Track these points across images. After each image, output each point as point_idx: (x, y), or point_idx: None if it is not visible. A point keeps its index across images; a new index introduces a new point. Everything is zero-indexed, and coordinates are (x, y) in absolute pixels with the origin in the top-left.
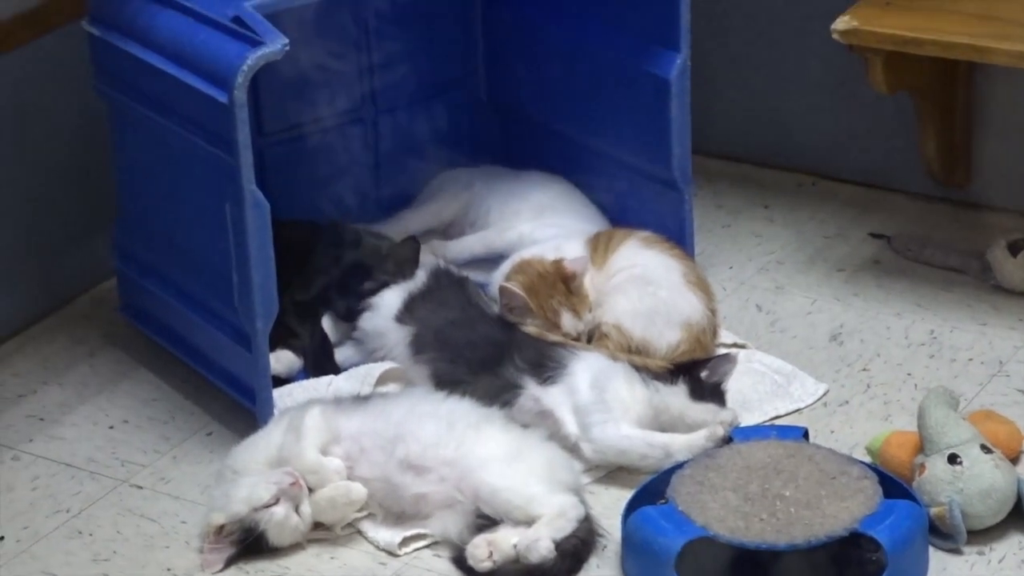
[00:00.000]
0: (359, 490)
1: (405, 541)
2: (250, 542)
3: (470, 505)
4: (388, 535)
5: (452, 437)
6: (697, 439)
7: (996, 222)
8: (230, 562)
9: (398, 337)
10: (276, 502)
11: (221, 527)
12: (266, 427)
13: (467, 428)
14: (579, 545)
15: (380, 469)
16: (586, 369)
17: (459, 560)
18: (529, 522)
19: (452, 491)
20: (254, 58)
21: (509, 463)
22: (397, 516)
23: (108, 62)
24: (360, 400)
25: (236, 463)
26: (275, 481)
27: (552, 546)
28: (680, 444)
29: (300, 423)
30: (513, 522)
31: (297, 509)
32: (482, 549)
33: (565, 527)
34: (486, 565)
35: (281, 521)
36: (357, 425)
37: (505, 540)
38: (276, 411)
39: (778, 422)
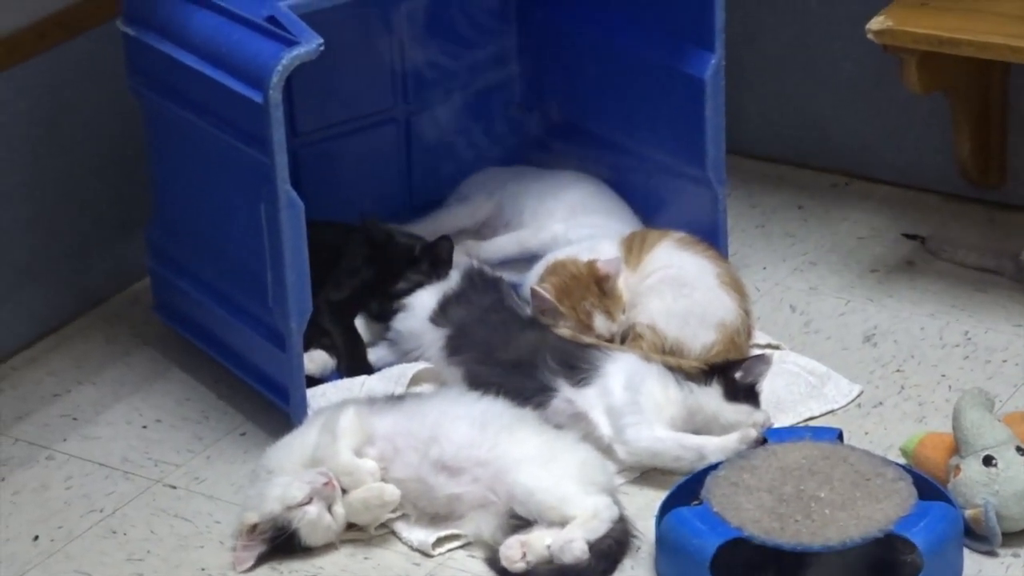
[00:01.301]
0: (392, 492)
1: (439, 541)
2: (283, 542)
3: (504, 506)
4: (422, 535)
5: (485, 438)
6: (730, 441)
7: None
8: (261, 560)
9: (432, 338)
10: (309, 501)
11: (254, 526)
12: (301, 427)
13: (500, 430)
14: (613, 546)
15: (414, 470)
16: (620, 371)
17: (493, 561)
18: (563, 523)
19: (486, 492)
20: (289, 58)
21: (543, 464)
22: (431, 517)
23: (142, 62)
24: (394, 400)
25: (271, 463)
26: (308, 480)
27: (586, 547)
28: (714, 446)
29: (335, 424)
30: (547, 523)
31: (330, 509)
32: (515, 550)
33: (599, 528)
34: (520, 566)
35: (314, 520)
36: (391, 425)
37: (539, 541)
38: (310, 411)
39: (812, 423)
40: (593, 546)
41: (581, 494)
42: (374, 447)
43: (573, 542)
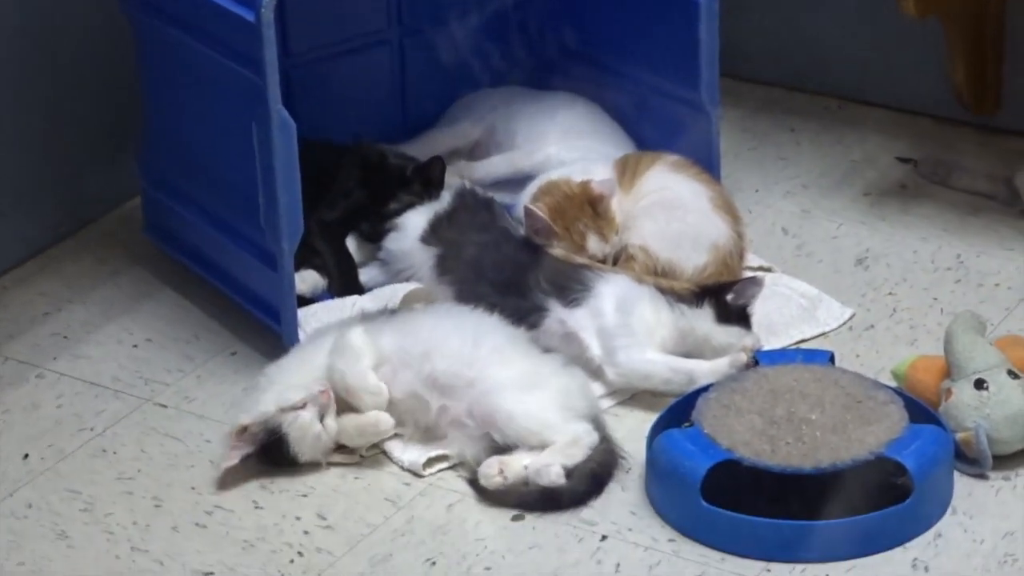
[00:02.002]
0: (387, 422)
1: (429, 462)
2: (271, 448)
3: (480, 429)
4: (413, 455)
5: (476, 357)
6: (720, 365)
7: None
8: (245, 459)
9: (423, 258)
10: (303, 406)
11: (245, 428)
12: (303, 346)
13: (492, 350)
14: (596, 469)
15: (409, 386)
16: (611, 292)
17: (475, 482)
18: (543, 448)
19: (466, 413)
20: None
21: (526, 389)
22: (425, 432)
23: None
24: (387, 317)
25: (272, 378)
26: (307, 387)
27: (562, 472)
28: (704, 370)
29: (349, 344)
30: (527, 448)
31: (322, 420)
32: (493, 468)
33: (576, 455)
34: (497, 480)
35: (305, 425)
36: (388, 343)
37: (517, 461)
38: (301, 331)
39: (803, 346)
40: (574, 470)
41: (561, 421)
42: (381, 369)
43: (550, 466)
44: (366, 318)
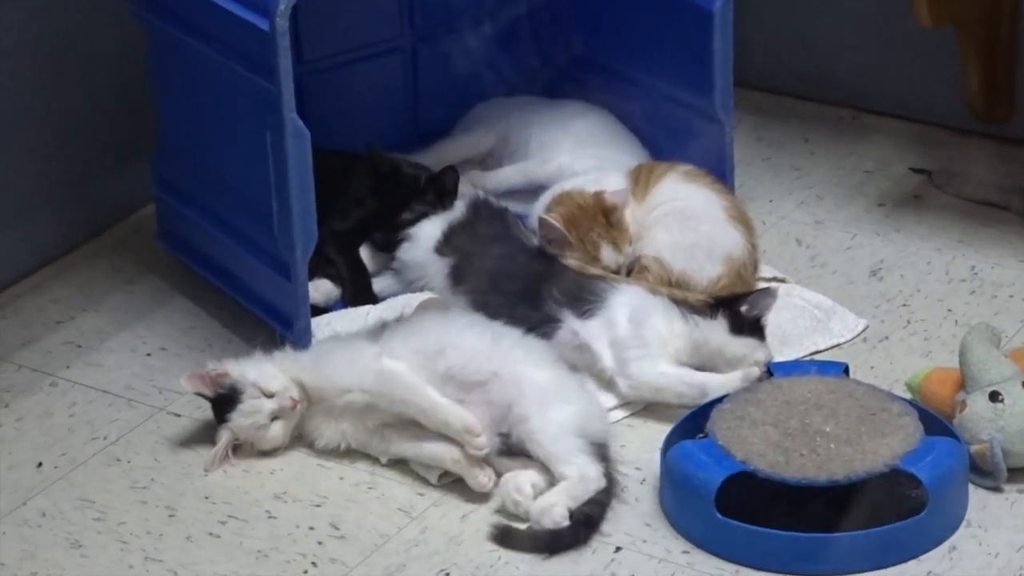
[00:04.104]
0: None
1: (443, 473)
2: (223, 400)
3: (496, 421)
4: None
5: (496, 350)
6: (733, 379)
7: None
8: (197, 395)
9: (437, 268)
10: (270, 397)
11: (225, 373)
12: (322, 352)
13: (513, 347)
14: (595, 509)
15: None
16: (625, 303)
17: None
18: (549, 467)
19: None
20: None
21: (553, 402)
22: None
23: None
24: (396, 323)
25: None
26: (286, 389)
27: (566, 513)
28: (716, 384)
29: (395, 373)
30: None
31: (274, 419)
32: (522, 489)
33: (580, 496)
34: (515, 499)
35: (256, 411)
36: (399, 345)
37: (526, 479)
38: (314, 341)
39: (818, 357)
40: (574, 513)
41: (576, 449)
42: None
43: (555, 507)
44: (374, 331)
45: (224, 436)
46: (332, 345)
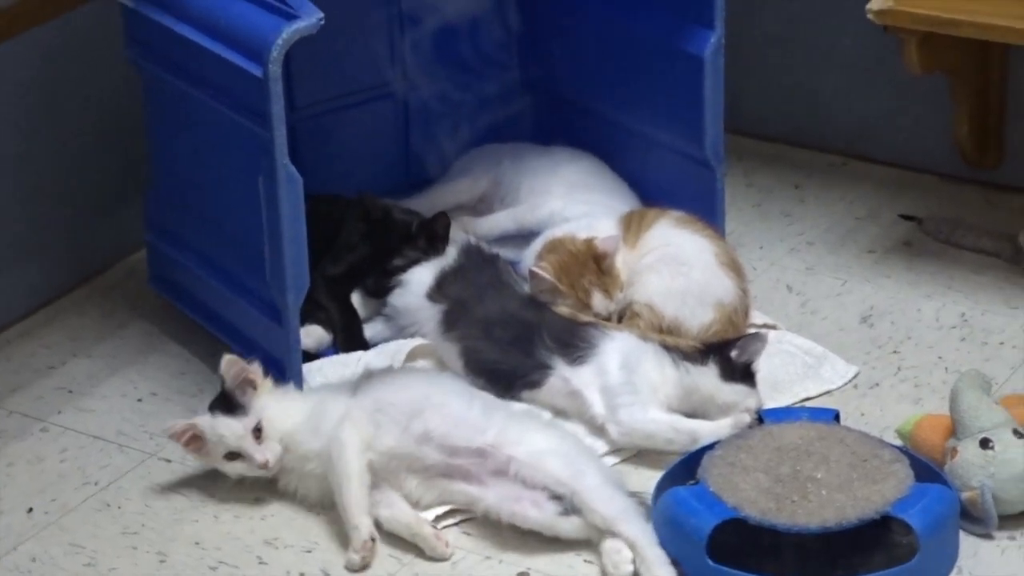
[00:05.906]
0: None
1: (437, 518)
2: (227, 395)
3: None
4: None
5: (491, 424)
6: (723, 426)
7: None
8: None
9: (429, 314)
10: (235, 459)
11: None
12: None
13: (509, 417)
14: None
15: (394, 440)
16: (616, 350)
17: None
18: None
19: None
20: (289, 32)
21: (592, 470)
22: (421, 483)
23: (141, 33)
24: (379, 375)
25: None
26: (257, 453)
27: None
28: (707, 430)
29: (340, 454)
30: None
31: (234, 458)
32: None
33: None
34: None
35: (227, 436)
36: (370, 401)
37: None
38: (305, 387)
39: (808, 404)
40: None
41: (631, 510)
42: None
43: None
44: (357, 382)
45: (201, 420)
46: (312, 400)
